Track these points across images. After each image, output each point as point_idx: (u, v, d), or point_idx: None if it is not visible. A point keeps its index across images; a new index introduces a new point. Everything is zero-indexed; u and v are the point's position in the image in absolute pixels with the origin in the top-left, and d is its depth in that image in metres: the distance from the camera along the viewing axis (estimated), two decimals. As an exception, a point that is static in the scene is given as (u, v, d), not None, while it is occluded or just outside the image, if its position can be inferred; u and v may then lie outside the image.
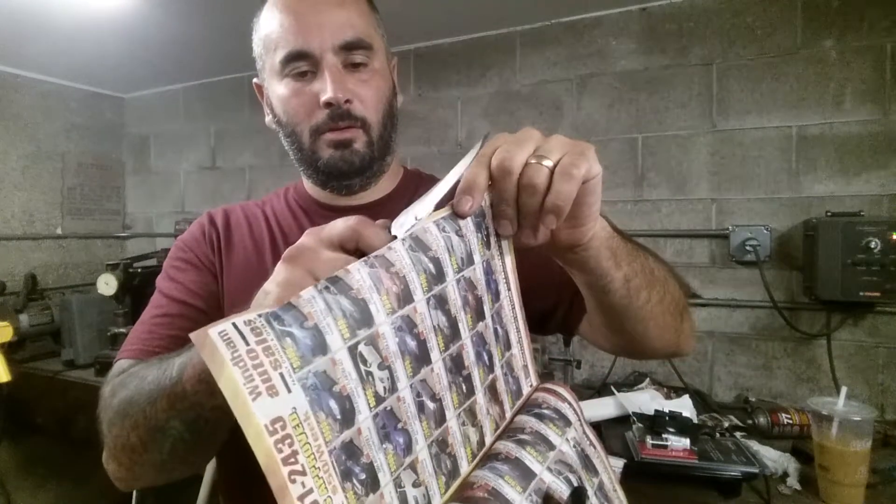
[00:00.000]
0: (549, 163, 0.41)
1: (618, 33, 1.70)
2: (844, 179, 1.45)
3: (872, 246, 1.32)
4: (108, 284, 1.89)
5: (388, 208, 0.77)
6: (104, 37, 1.87)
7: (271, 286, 0.37)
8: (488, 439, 0.42)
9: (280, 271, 0.38)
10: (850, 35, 1.44)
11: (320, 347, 0.30)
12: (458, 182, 0.42)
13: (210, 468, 1.01)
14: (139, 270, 1.98)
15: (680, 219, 1.64)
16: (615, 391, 1.40)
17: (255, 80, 0.78)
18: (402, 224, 0.38)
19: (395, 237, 0.37)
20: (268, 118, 0.76)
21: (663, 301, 0.59)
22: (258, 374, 0.27)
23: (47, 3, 1.60)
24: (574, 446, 0.45)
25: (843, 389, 1.01)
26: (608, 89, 1.72)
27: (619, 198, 1.69)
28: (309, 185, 0.79)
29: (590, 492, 0.44)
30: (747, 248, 1.50)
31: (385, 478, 0.32)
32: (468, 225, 0.42)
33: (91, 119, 2.54)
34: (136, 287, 1.94)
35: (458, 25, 1.85)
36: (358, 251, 0.37)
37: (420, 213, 0.39)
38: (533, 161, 0.41)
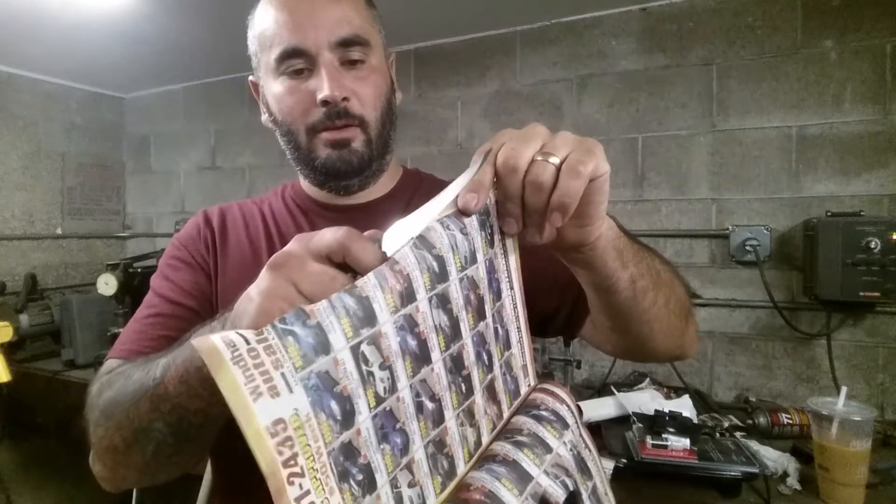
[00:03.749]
0: (555, 160, 0.40)
1: (618, 33, 1.70)
2: (844, 179, 1.45)
3: (872, 246, 1.32)
4: (108, 284, 1.90)
5: (386, 208, 0.76)
6: (104, 37, 1.87)
7: (254, 292, 0.37)
8: (485, 439, 0.42)
9: (264, 279, 0.37)
10: (850, 35, 1.44)
11: (323, 346, 0.30)
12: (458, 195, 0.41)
13: (210, 468, 1.00)
14: (139, 270, 1.98)
15: (680, 219, 1.63)
16: (615, 391, 1.40)
17: (250, 77, 0.77)
18: (394, 240, 0.37)
19: (384, 253, 0.36)
20: (264, 117, 0.75)
21: (669, 303, 0.58)
22: (259, 374, 0.27)
23: (47, 3, 1.60)
24: (570, 449, 0.44)
25: (843, 389, 1.01)
26: (608, 89, 1.72)
27: (619, 198, 1.69)
28: (306, 185, 0.78)
29: (584, 495, 0.44)
30: (747, 248, 1.50)
31: (382, 478, 0.32)
32: (472, 223, 0.41)
33: (91, 119, 2.54)
34: (136, 287, 1.94)
35: (458, 25, 1.85)
36: (345, 264, 0.37)
37: (414, 232, 0.38)
38: (539, 158, 0.40)
